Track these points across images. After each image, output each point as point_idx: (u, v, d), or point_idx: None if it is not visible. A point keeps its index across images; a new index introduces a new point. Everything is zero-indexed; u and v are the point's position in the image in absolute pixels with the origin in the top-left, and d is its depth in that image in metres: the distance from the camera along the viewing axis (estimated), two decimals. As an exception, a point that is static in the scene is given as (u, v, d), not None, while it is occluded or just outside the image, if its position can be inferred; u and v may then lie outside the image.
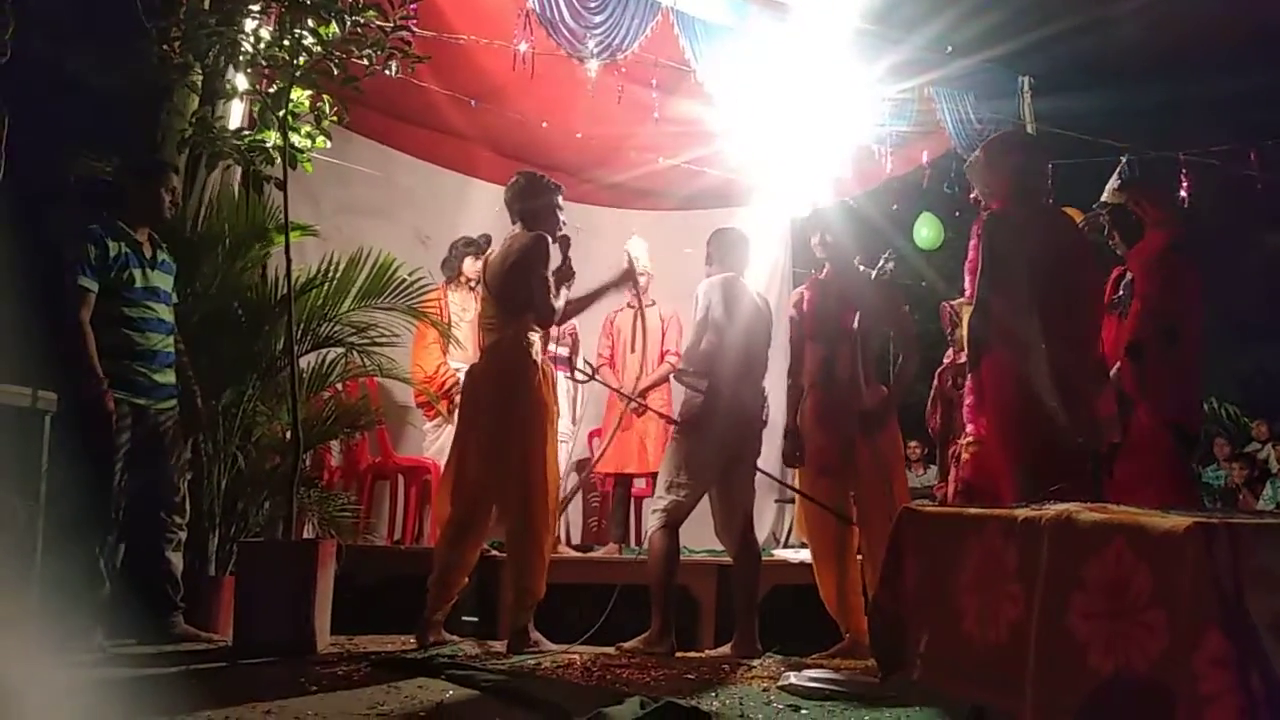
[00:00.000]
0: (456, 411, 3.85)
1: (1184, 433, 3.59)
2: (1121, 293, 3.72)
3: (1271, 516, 1.73)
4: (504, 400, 3.45)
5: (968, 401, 3.09)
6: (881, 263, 3.85)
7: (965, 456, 3.10)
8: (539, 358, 3.55)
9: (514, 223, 3.66)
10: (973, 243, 3.15)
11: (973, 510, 2.22)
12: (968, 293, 3.18)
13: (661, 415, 4.67)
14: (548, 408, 3.55)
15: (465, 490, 3.50)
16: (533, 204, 3.63)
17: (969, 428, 3.08)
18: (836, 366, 3.73)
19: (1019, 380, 2.93)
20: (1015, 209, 3.07)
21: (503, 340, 3.52)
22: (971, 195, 3.49)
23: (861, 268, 3.87)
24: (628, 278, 4.53)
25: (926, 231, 6.97)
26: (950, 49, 5.87)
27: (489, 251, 3.77)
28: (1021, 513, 1.94)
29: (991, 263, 3.00)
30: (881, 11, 5.71)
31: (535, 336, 3.56)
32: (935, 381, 4.14)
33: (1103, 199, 3.89)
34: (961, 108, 5.86)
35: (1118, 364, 3.53)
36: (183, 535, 3.49)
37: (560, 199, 3.70)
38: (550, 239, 3.56)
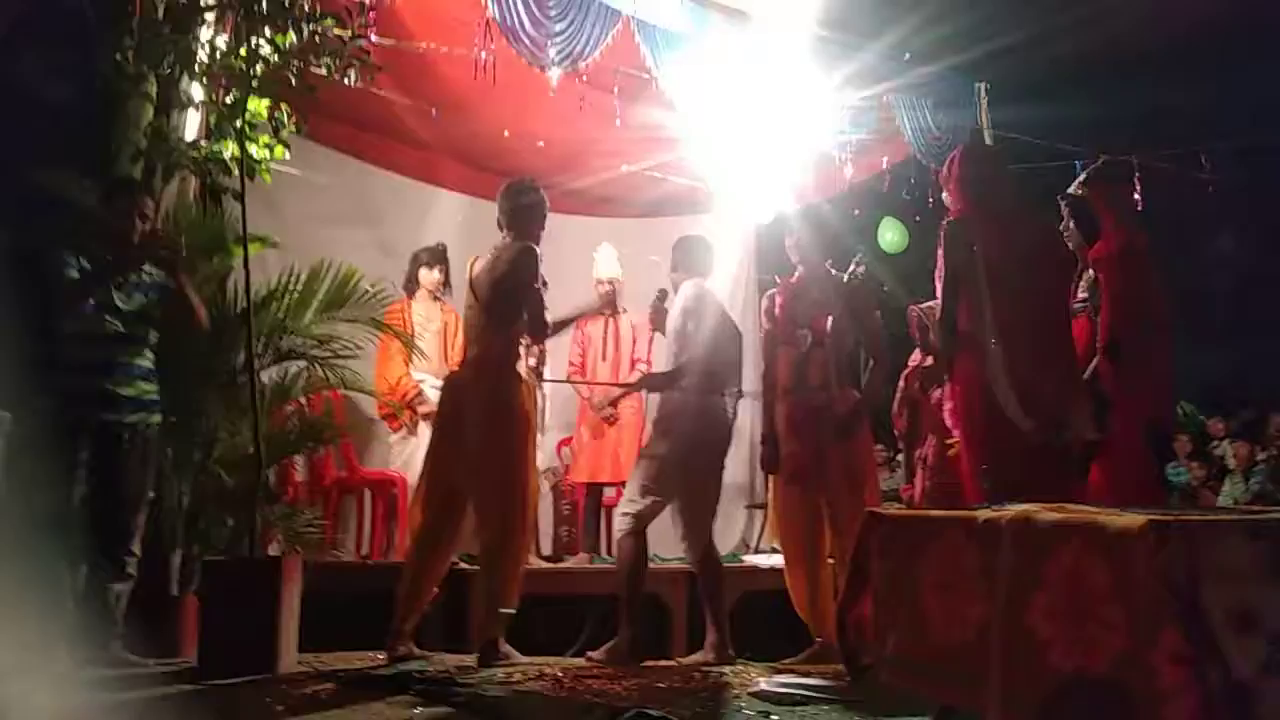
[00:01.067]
0: (431, 421, 3.82)
1: (1157, 431, 3.64)
2: (1086, 293, 3.77)
3: (1224, 514, 1.76)
4: (491, 413, 3.43)
5: (947, 407, 3.15)
6: (852, 267, 3.88)
7: (948, 458, 3.17)
8: (525, 371, 3.54)
9: (503, 230, 3.66)
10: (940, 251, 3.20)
11: (936, 513, 2.25)
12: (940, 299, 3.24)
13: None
14: (531, 421, 3.56)
15: (439, 499, 3.47)
16: (519, 201, 3.65)
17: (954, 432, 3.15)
18: (808, 371, 3.75)
19: (982, 384, 2.97)
20: (972, 213, 3.12)
21: (491, 352, 3.51)
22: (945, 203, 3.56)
23: (833, 271, 3.90)
24: (606, 303, 4.55)
25: (891, 235, 7.04)
26: (909, 56, 5.94)
27: (474, 259, 3.73)
28: (982, 514, 1.96)
29: (949, 268, 3.05)
30: (841, 19, 5.77)
31: (522, 349, 3.56)
32: (901, 384, 4.17)
33: (1069, 190, 3.95)
34: (920, 115, 5.93)
35: (1093, 363, 3.57)
36: (130, 561, 3.38)
37: (545, 202, 3.72)
38: (538, 249, 3.56)
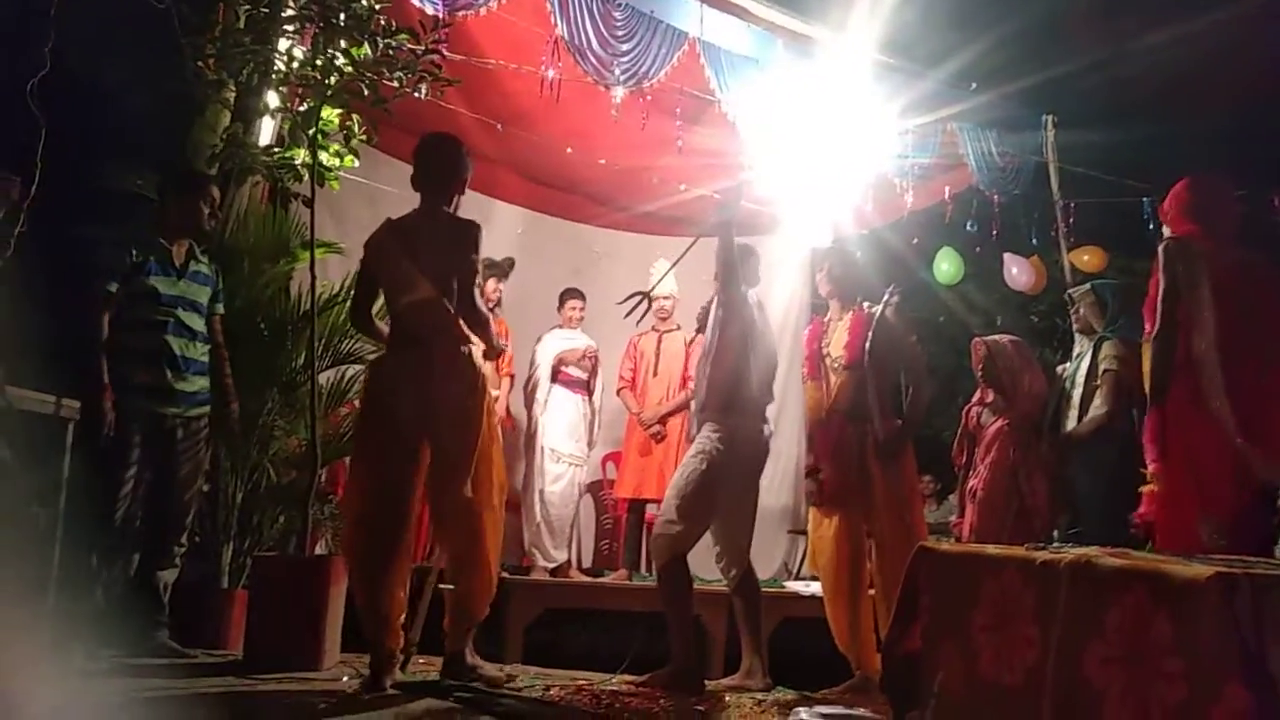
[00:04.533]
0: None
1: None
2: None
3: (1295, 568, 1.71)
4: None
5: (1147, 437, 2.97)
6: (886, 297, 3.85)
7: (1145, 493, 2.97)
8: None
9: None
10: (1151, 280, 3.06)
11: (991, 550, 2.21)
12: (1146, 331, 3.08)
13: None
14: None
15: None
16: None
17: (1150, 465, 2.95)
18: (847, 396, 3.72)
19: (1207, 417, 2.81)
20: (1192, 237, 3.01)
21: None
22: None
23: (866, 304, 3.88)
24: (660, 319, 4.42)
25: (947, 266, 6.95)
26: (974, 85, 5.89)
27: None
28: (1040, 555, 1.92)
29: (1169, 284, 2.90)
30: (905, 45, 5.75)
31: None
32: (963, 419, 4.11)
33: None
34: (984, 144, 5.88)
35: None
36: (179, 550, 3.45)
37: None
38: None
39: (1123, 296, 4.08)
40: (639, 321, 4.60)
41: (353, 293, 3.31)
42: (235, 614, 3.61)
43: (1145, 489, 2.95)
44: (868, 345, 3.70)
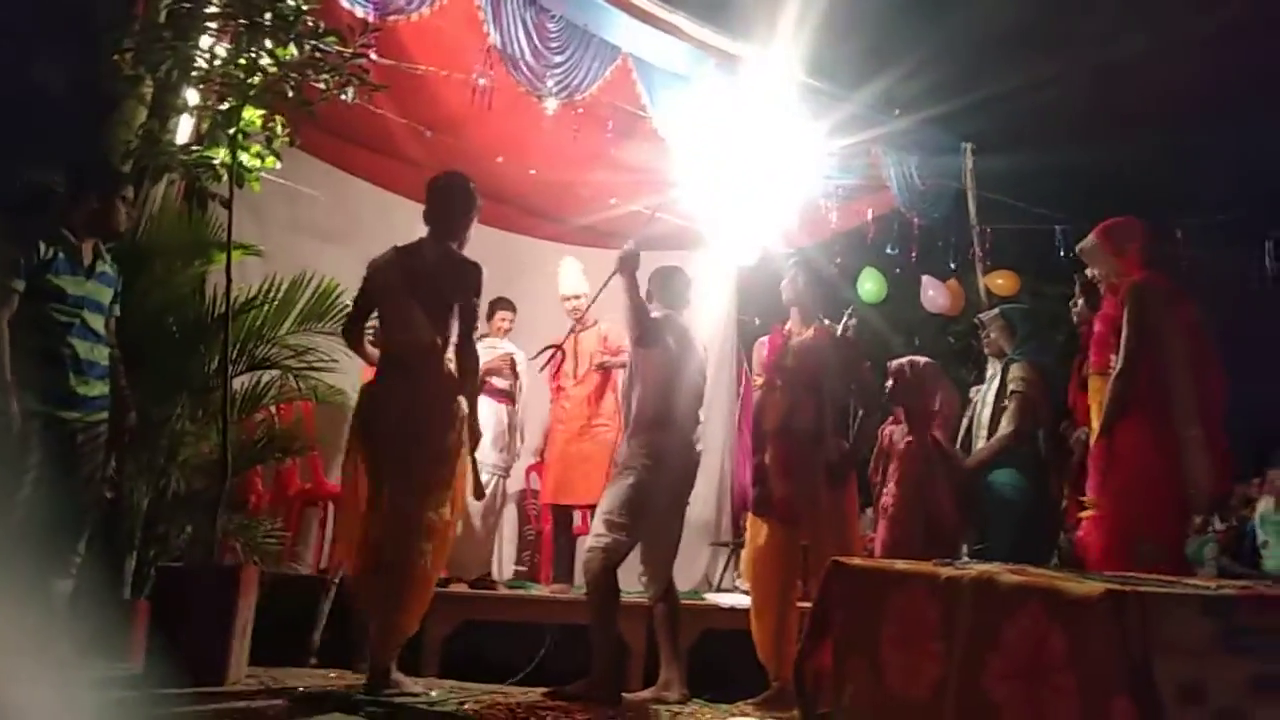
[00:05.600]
0: None
1: None
2: None
3: (1179, 586, 1.79)
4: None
5: (1092, 465, 3.15)
6: (845, 318, 3.94)
7: (1084, 518, 3.16)
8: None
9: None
10: (1103, 314, 3.28)
11: (899, 565, 2.27)
12: (1094, 364, 3.30)
13: None
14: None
15: None
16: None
17: (1089, 492, 3.16)
18: (800, 416, 3.79)
19: (1161, 454, 3.01)
20: (1156, 278, 3.19)
21: None
22: (1088, 272, 3.63)
23: (826, 322, 3.95)
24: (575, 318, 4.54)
25: (870, 285, 7.12)
26: (899, 111, 6.06)
27: None
28: (945, 571, 1.98)
29: (1148, 329, 3.08)
30: (830, 68, 5.89)
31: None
32: (880, 438, 4.21)
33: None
34: (906, 167, 6.04)
35: None
36: (75, 560, 3.29)
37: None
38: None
39: (1031, 321, 4.24)
40: (546, 368, 4.80)
41: (350, 311, 3.48)
42: (138, 626, 3.47)
43: (1084, 514, 3.16)
44: (826, 366, 3.78)
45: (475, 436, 3.35)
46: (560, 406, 5.41)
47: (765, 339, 4.08)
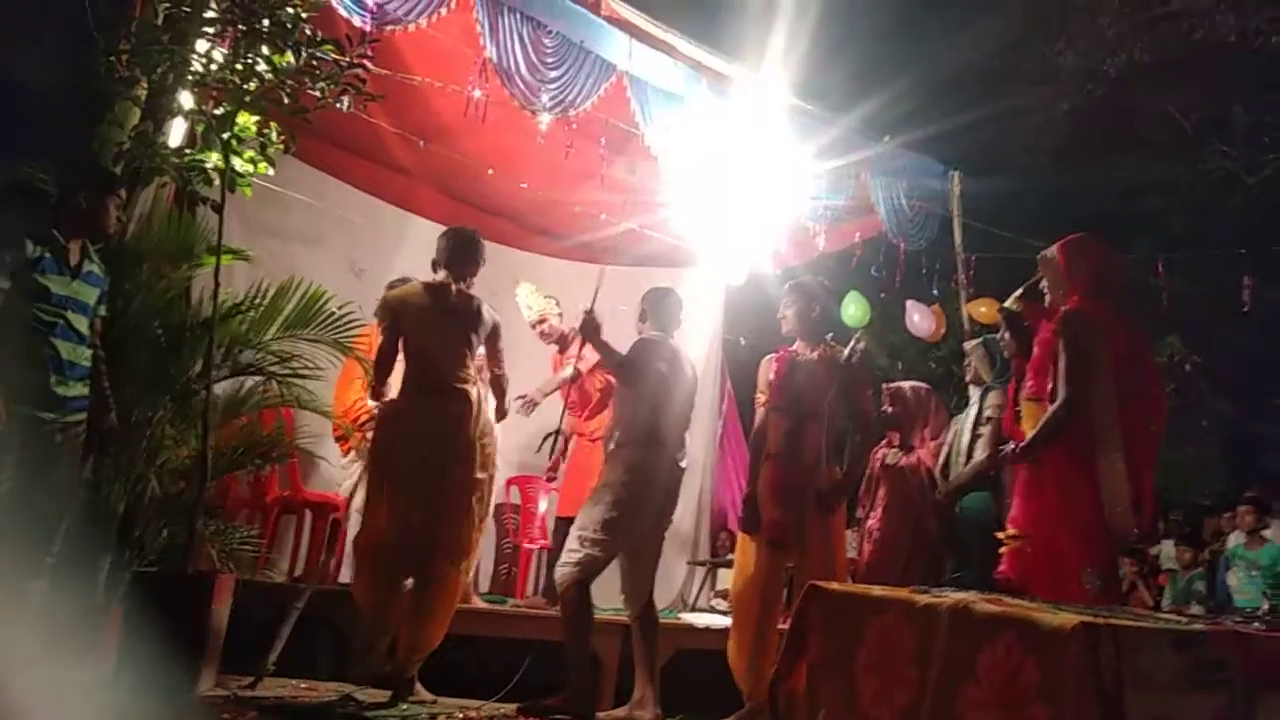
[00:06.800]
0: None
1: None
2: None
3: (1153, 620, 1.82)
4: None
5: (1020, 493, 3.10)
6: (853, 343, 3.93)
7: (1006, 549, 3.07)
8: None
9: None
10: (1040, 338, 3.20)
11: (876, 591, 2.28)
12: (1030, 389, 3.20)
13: None
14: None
15: None
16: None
17: (1009, 525, 3.09)
18: (800, 442, 3.79)
19: (1093, 481, 2.96)
20: (1093, 307, 3.13)
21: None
22: (1009, 302, 3.64)
23: (834, 343, 3.96)
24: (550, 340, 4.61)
25: (854, 309, 7.16)
26: (888, 138, 6.12)
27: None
28: (923, 598, 2.00)
29: (1085, 356, 3.03)
30: (820, 91, 5.95)
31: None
32: (871, 462, 4.22)
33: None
34: (894, 192, 6.09)
35: None
36: (48, 561, 3.27)
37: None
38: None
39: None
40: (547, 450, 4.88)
41: (378, 355, 3.63)
42: (109, 631, 3.43)
43: (1004, 549, 3.08)
44: (830, 393, 3.78)
45: (503, 414, 3.79)
46: (579, 419, 5.36)
47: (772, 357, 4.06)
